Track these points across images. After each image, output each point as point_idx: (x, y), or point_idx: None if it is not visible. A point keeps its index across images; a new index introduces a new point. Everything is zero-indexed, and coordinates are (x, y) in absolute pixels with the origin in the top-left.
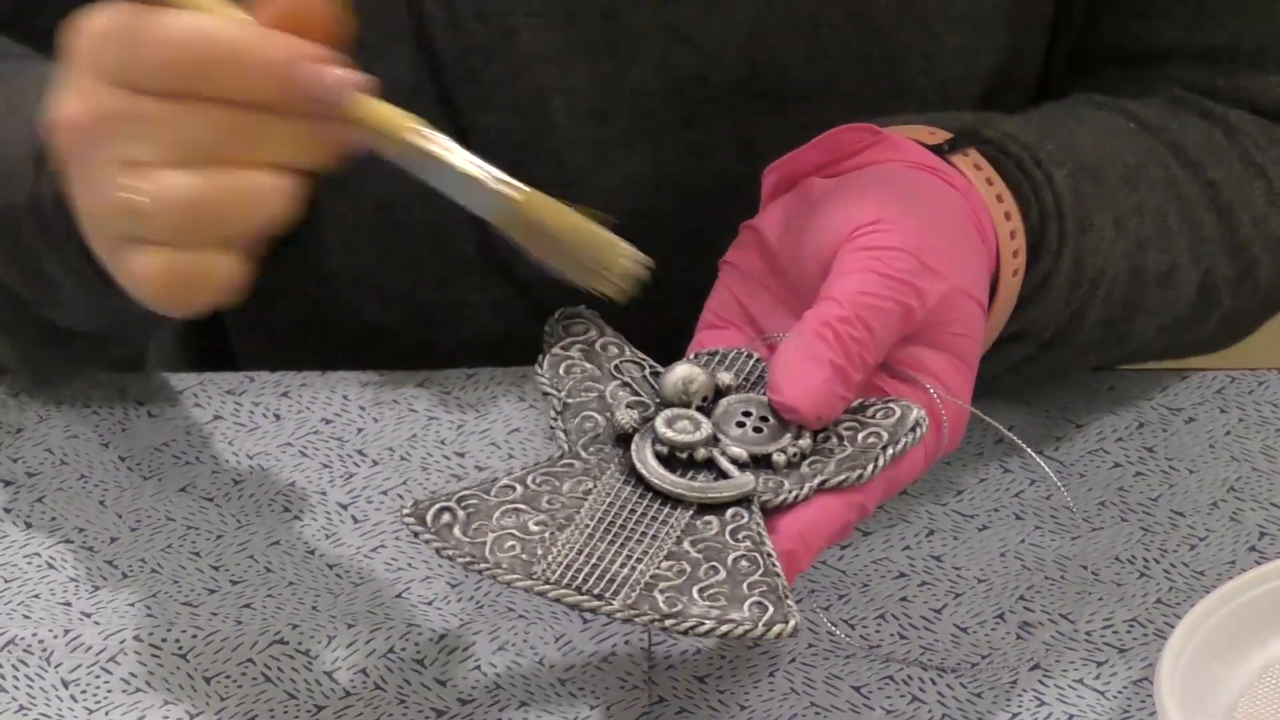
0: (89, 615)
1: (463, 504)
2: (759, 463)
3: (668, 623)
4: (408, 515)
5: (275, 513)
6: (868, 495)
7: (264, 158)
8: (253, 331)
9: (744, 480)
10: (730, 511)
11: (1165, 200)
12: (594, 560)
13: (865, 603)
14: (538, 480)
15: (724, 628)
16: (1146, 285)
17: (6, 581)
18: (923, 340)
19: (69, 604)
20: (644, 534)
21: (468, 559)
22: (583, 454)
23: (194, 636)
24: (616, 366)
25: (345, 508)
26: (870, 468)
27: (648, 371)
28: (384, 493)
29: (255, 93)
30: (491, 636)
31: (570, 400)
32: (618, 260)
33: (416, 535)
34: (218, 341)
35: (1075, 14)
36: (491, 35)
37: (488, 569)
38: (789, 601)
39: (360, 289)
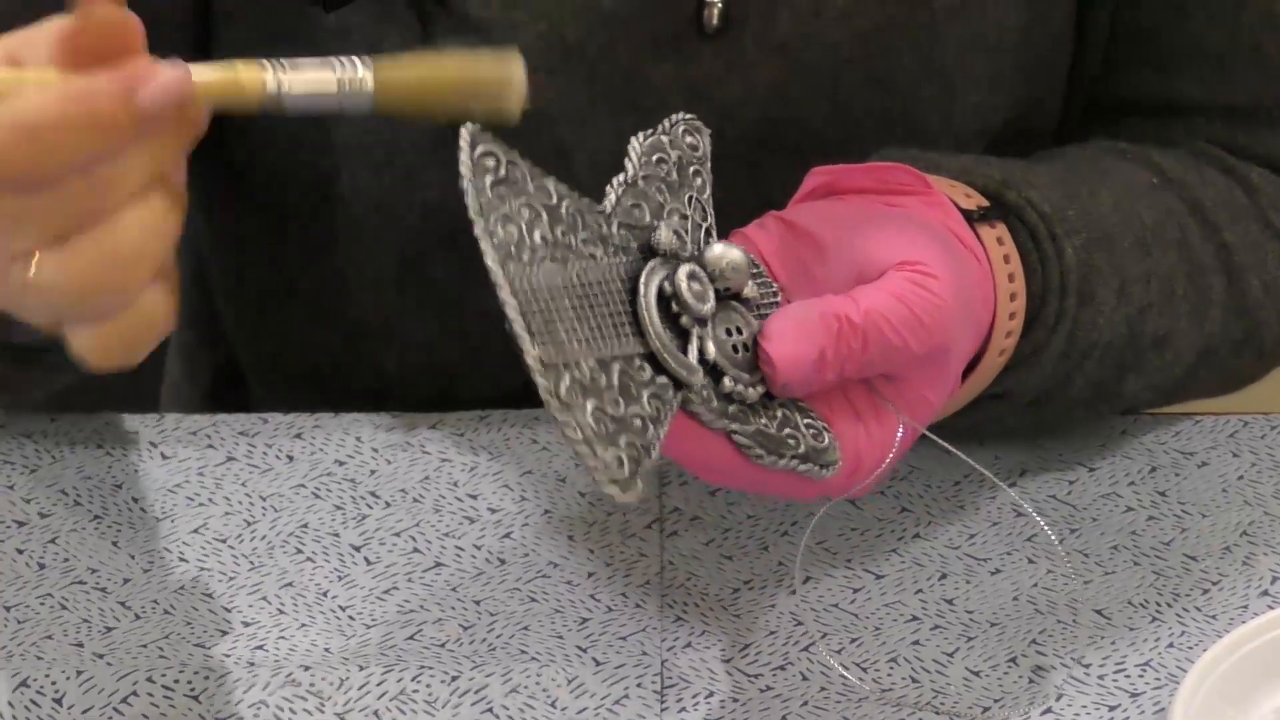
0: (101, 656)
1: (510, 165)
2: (714, 373)
3: (554, 404)
4: (470, 131)
5: (288, 554)
6: (748, 471)
7: (140, 183)
8: (270, 377)
9: (694, 371)
10: (663, 380)
11: (1176, 263)
12: (551, 307)
13: (877, 646)
14: (571, 210)
15: (584, 450)
16: (1143, 349)
17: (20, 623)
18: (893, 379)
19: (81, 645)
20: (598, 328)
21: (475, 205)
22: (614, 226)
23: (206, 678)
24: (691, 199)
25: (358, 549)
26: (769, 458)
27: (709, 224)
28: (397, 535)
29: (102, 143)
30: (504, 679)
31: (640, 181)
32: (491, 79)
33: (460, 150)
34: (234, 386)
35: (1090, 65)
36: None
37: (480, 226)
38: (639, 481)
39: (381, 340)
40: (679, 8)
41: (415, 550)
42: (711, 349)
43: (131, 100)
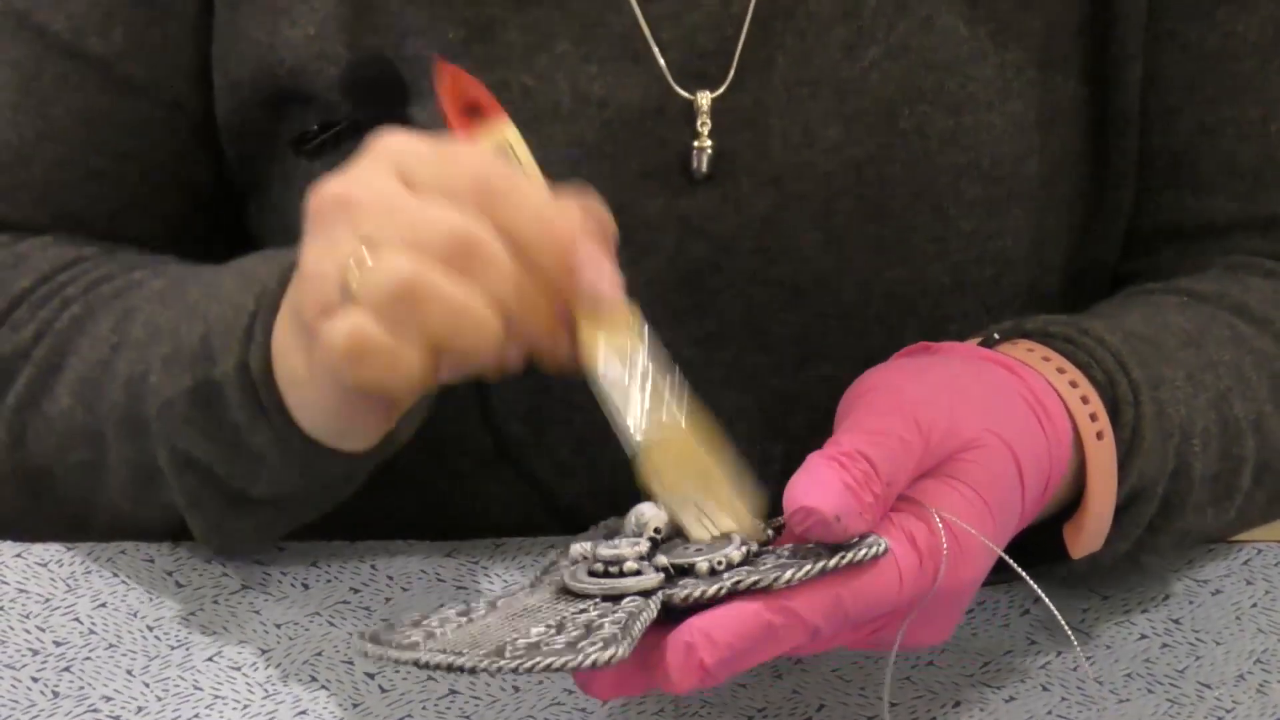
0: None
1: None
2: (685, 572)
3: (488, 661)
4: (369, 651)
5: (302, 682)
6: (803, 605)
7: (490, 289)
8: None
9: (650, 577)
10: (627, 600)
11: (1238, 354)
12: (478, 635)
13: None
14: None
15: (536, 659)
16: (1242, 434)
17: None
18: (931, 472)
19: None
20: (539, 617)
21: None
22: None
23: None
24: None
25: (372, 677)
26: (790, 572)
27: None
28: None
29: (531, 242)
30: None
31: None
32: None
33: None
34: None
35: (1120, 196)
36: None
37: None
38: (625, 641)
39: (378, 483)
40: (667, 145)
41: (429, 678)
42: (663, 559)
43: (582, 242)
